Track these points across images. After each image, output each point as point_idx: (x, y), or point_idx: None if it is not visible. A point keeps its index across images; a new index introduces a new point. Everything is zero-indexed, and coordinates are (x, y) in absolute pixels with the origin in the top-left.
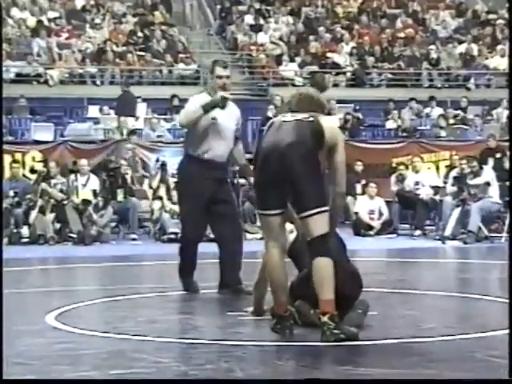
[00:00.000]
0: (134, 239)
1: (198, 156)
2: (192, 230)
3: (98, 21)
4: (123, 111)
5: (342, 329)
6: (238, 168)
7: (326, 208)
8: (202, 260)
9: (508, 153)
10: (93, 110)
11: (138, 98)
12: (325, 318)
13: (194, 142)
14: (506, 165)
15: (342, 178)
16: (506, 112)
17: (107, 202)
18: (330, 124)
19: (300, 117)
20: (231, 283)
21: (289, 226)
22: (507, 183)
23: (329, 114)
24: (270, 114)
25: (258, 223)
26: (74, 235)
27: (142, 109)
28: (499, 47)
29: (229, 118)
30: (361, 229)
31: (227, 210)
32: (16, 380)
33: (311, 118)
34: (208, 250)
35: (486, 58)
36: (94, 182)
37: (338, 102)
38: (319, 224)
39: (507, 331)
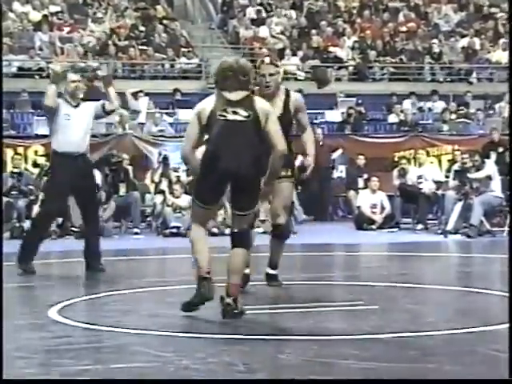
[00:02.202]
0: (136, 233)
1: (59, 150)
2: (48, 218)
3: (99, 15)
4: None
5: (239, 308)
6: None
7: (257, 206)
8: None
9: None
10: None
11: (140, 92)
12: (229, 300)
13: (54, 137)
14: (509, 159)
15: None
16: (509, 106)
17: (110, 196)
18: (264, 106)
19: (242, 115)
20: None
21: None
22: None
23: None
24: None
25: (261, 217)
26: (76, 229)
27: (143, 103)
28: (501, 41)
29: (82, 114)
30: (363, 223)
31: (86, 200)
32: (16, 380)
33: (251, 116)
34: (218, 244)
35: (489, 52)
36: (96, 177)
37: (341, 96)
38: (248, 221)
39: (508, 325)
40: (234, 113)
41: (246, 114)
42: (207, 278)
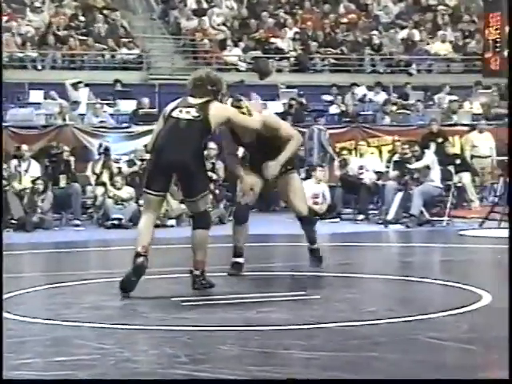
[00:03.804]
0: (76, 225)
1: None
2: None
3: (38, 4)
4: None
5: (207, 281)
6: None
7: (207, 192)
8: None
9: (450, 138)
10: (34, 95)
11: (79, 82)
12: (197, 272)
13: None
14: (448, 149)
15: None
16: (448, 97)
17: (46, 186)
18: (219, 110)
19: (192, 114)
20: None
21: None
22: (449, 167)
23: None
24: None
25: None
26: (15, 221)
27: (84, 94)
28: (440, 33)
29: None
30: None
31: None
32: (16, 380)
33: (201, 116)
34: (160, 235)
35: (428, 44)
36: (36, 168)
37: (282, 87)
38: (202, 204)
39: (448, 313)
40: (187, 112)
41: (196, 114)
42: (142, 255)
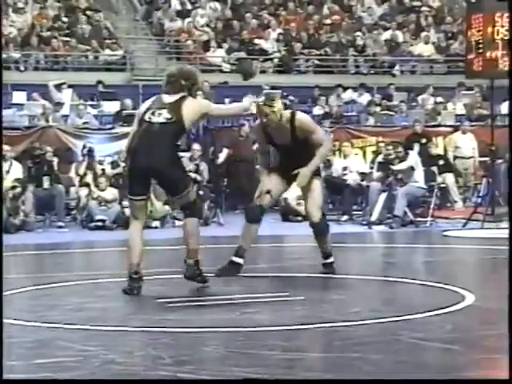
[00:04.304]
0: (60, 227)
1: None
2: None
3: (20, 5)
4: None
5: (200, 271)
6: None
7: (191, 187)
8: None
9: (433, 139)
10: (17, 96)
11: (63, 84)
12: (191, 261)
13: None
14: (431, 150)
15: None
16: (432, 98)
17: (25, 187)
18: (193, 108)
19: (164, 116)
20: None
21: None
22: (432, 168)
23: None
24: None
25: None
26: None
27: (67, 95)
28: (423, 34)
29: None
30: (289, 214)
31: None
32: (16, 380)
33: (173, 118)
34: (151, 237)
35: (411, 45)
36: (17, 170)
37: (266, 88)
38: (191, 196)
39: (431, 313)
40: (159, 115)
41: (169, 116)
42: (133, 278)
